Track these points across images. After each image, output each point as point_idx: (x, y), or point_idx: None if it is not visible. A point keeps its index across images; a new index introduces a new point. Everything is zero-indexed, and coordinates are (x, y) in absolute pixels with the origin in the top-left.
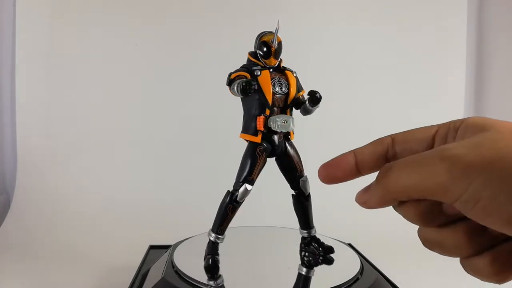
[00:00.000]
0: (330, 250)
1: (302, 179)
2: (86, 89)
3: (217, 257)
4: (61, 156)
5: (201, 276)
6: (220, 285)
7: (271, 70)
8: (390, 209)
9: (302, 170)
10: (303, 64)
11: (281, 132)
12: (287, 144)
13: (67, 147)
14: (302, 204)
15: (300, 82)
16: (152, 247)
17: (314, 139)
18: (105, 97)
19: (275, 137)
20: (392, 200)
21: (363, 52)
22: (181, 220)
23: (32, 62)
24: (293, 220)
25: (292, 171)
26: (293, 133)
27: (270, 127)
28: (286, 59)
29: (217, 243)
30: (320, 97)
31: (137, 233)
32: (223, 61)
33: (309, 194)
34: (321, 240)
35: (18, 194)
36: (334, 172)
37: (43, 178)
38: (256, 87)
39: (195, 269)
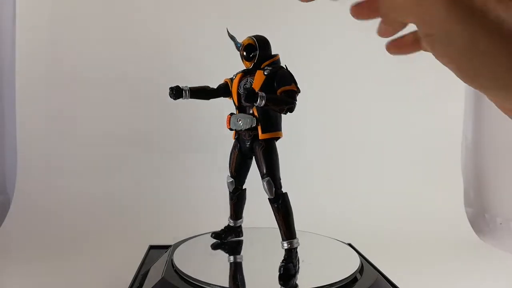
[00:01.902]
0: (287, 271)
1: (263, 180)
2: (86, 89)
3: (223, 234)
4: (61, 156)
5: (201, 275)
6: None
7: (246, 72)
8: (390, 209)
9: (266, 172)
10: (303, 67)
11: (242, 130)
12: (255, 144)
13: (67, 147)
14: (272, 209)
15: (295, 80)
16: (152, 247)
17: (313, 141)
18: (106, 97)
19: (242, 135)
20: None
21: (362, 53)
22: (181, 220)
23: (32, 62)
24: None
25: (259, 170)
26: (261, 133)
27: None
28: (287, 59)
29: (229, 226)
30: (244, 93)
31: (137, 233)
32: (225, 61)
33: (276, 199)
34: (291, 259)
35: (18, 194)
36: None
37: (43, 178)
38: (177, 94)
39: (196, 269)
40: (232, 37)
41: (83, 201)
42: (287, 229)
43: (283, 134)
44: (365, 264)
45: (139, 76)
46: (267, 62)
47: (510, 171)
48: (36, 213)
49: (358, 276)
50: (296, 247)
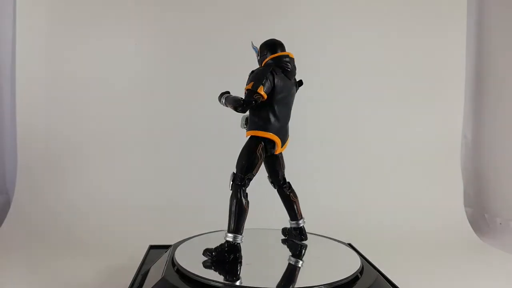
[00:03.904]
0: (205, 255)
1: None
2: (87, 89)
3: (286, 232)
4: (61, 156)
5: (204, 273)
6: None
7: None
8: (390, 209)
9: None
10: (302, 67)
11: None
12: None
13: (67, 147)
14: None
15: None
16: (152, 247)
17: (312, 140)
18: (106, 97)
19: None
20: None
21: (361, 52)
22: (181, 220)
23: (32, 62)
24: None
25: None
26: (246, 130)
27: None
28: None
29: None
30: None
31: (137, 233)
32: (225, 59)
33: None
34: (217, 249)
35: (18, 194)
36: None
37: (43, 178)
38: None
39: (198, 267)
40: (254, 48)
41: (83, 201)
42: (228, 221)
43: (263, 134)
44: (365, 264)
45: (141, 75)
46: (262, 64)
47: (510, 171)
48: (36, 213)
49: (358, 276)
50: (231, 242)
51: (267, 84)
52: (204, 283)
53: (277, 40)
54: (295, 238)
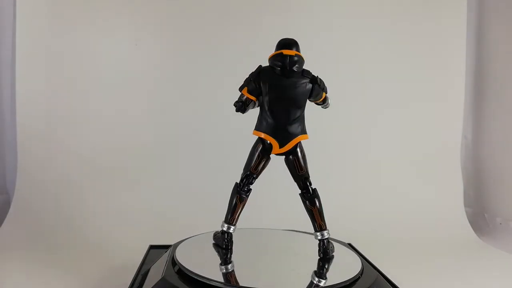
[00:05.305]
0: (214, 236)
1: None
2: (87, 89)
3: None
4: (61, 156)
5: (204, 273)
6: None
7: None
8: (390, 209)
9: None
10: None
11: None
12: None
13: (67, 147)
14: None
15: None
16: (152, 247)
17: (312, 140)
18: (106, 97)
19: None
20: None
21: (362, 51)
22: (181, 220)
23: (32, 62)
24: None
25: None
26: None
27: None
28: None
29: None
30: None
31: (137, 233)
32: (224, 59)
33: None
34: (219, 234)
35: (18, 194)
36: None
37: (43, 178)
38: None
39: (199, 266)
40: None
41: (82, 201)
42: (226, 212)
43: (257, 133)
44: (365, 264)
45: (141, 76)
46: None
47: (510, 171)
48: (36, 213)
49: (359, 276)
50: (224, 231)
51: (251, 85)
52: (204, 283)
53: (286, 39)
54: (319, 252)
